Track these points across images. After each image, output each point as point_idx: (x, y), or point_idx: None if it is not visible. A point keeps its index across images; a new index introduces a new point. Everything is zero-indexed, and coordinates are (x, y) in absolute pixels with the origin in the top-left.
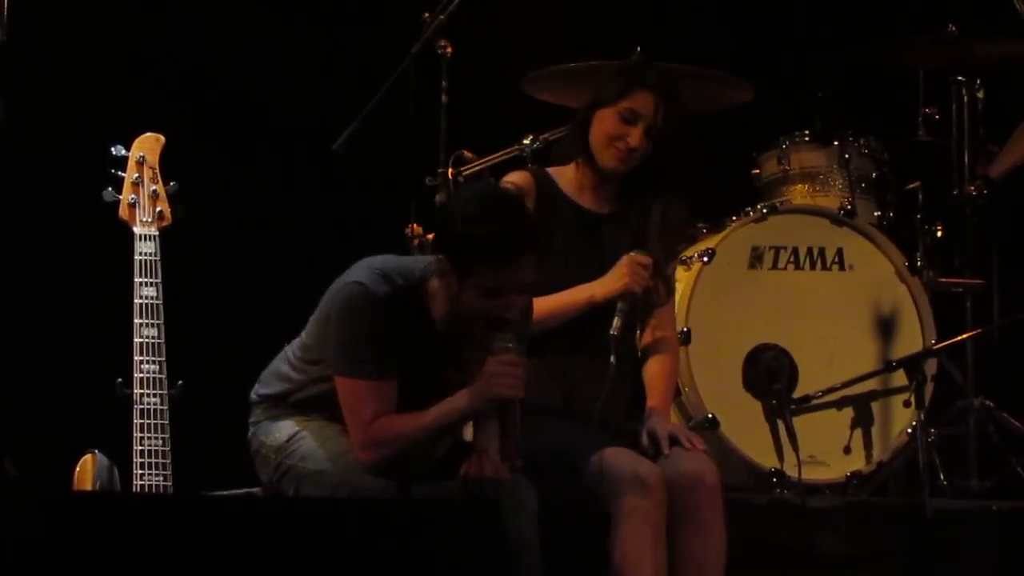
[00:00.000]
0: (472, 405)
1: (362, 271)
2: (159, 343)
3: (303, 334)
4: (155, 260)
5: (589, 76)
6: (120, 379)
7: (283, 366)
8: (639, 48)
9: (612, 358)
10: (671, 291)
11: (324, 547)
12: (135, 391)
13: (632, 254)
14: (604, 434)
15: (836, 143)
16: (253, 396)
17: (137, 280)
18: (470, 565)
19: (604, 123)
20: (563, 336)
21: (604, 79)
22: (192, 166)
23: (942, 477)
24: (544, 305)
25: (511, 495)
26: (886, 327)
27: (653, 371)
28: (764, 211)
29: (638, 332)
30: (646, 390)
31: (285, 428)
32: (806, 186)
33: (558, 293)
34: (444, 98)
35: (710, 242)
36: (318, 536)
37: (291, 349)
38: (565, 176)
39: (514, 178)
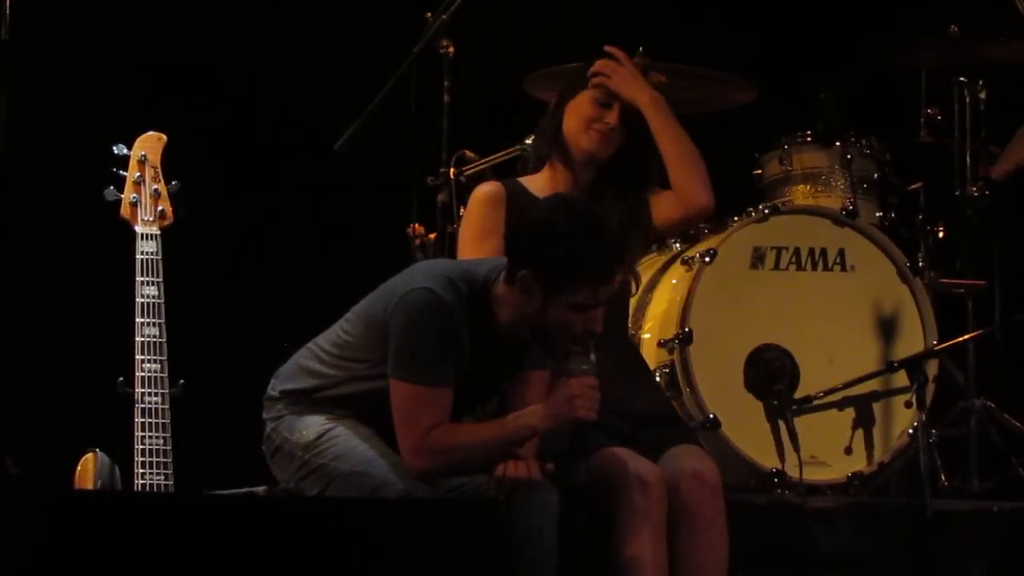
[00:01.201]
0: (547, 424)
1: (428, 277)
2: (160, 342)
3: (340, 330)
4: (156, 259)
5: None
6: (121, 378)
7: (311, 362)
8: (641, 48)
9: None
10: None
11: (327, 547)
12: (136, 390)
13: None
14: (603, 434)
15: (838, 144)
16: (272, 392)
17: (138, 279)
18: (482, 565)
19: (579, 111)
20: None
21: (570, 77)
22: (194, 165)
23: (943, 478)
24: None
25: (535, 496)
26: (887, 328)
27: None
28: (766, 211)
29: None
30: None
31: (313, 425)
32: (808, 186)
33: None
34: (446, 98)
35: (712, 242)
36: (321, 536)
37: (320, 345)
38: (536, 183)
39: (485, 188)
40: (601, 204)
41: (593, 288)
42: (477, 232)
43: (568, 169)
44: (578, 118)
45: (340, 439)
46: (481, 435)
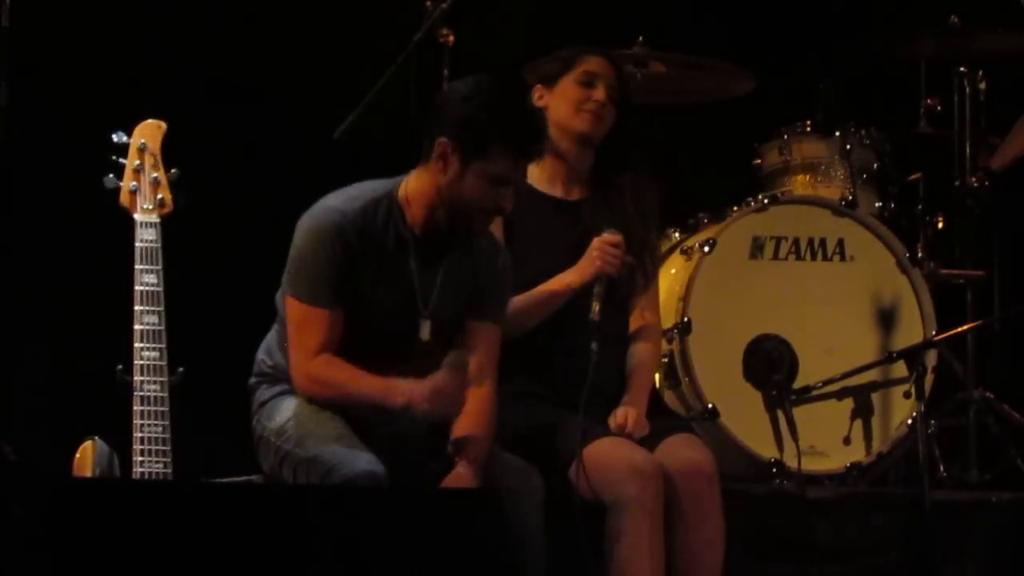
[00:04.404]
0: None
1: (324, 199)
2: (159, 330)
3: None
4: (156, 247)
5: None
6: (120, 366)
7: (273, 343)
8: (640, 38)
9: (593, 344)
10: (654, 269)
11: (324, 535)
12: (135, 378)
13: (603, 235)
14: (599, 424)
15: (838, 134)
16: (251, 381)
17: (138, 267)
18: (473, 552)
19: (566, 96)
20: (543, 325)
21: (545, 68)
22: (194, 153)
23: (942, 468)
24: (523, 303)
25: (517, 481)
26: (887, 318)
27: (631, 365)
28: (765, 201)
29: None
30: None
31: (284, 411)
32: (807, 177)
33: (535, 288)
34: (446, 87)
35: (711, 232)
36: (317, 524)
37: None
38: (533, 171)
39: None
40: (604, 190)
41: (511, 158)
42: None
43: (564, 160)
44: (566, 103)
45: (301, 425)
46: (359, 383)
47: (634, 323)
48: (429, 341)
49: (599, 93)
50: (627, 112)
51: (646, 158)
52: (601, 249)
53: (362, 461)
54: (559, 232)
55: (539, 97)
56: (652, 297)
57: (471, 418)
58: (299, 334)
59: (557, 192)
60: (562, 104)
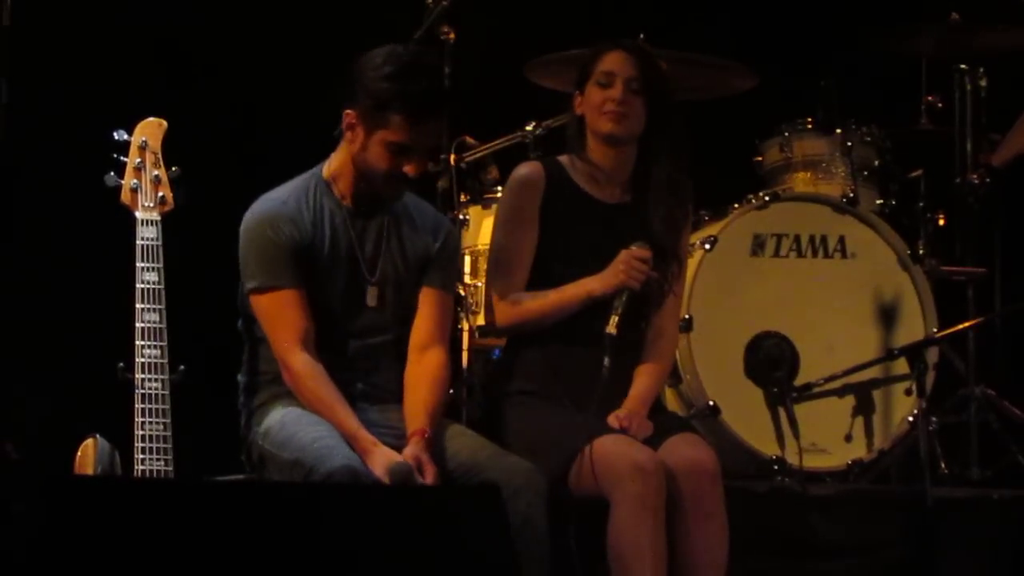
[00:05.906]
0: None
1: (252, 205)
2: (160, 328)
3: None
4: (157, 245)
5: None
6: (122, 364)
7: (246, 352)
8: (641, 35)
9: (606, 359)
10: (680, 283)
11: (324, 533)
12: (136, 376)
13: (631, 248)
14: (601, 423)
15: (838, 131)
16: (239, 401)
17: (139, 265)
18: (470, 550)
19: (590, 101)
20: (557, 326)
21: (577, 72)
22: (194, 151)
23: (943, 465)
24: (541, 302)
25: (523, 481)
26: (888, 315)
27: (641, 370)
28: (766, 199)
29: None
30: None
31: (272, 415)
32: (808, 174)
33: (555, 289)
34: (446, 84)
35: (712, 229)
36: (319, 522)
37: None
38: (576, 166)
39: (525, 169)
40: (643, 197)
41: (405, 125)
42: (510, 217)
43: (603, 163)
44: (591, 108)
45: (284, 428)
46: (335, 413)
47: (652, 331)
48: (376, 306)
49: (615, 91)
50: (660, 99)
51: (684, 160)
52: (627, 263)
53: (339, 457)
54: (593, 234)
55: (578, 105)
56: (674, 308)
57: (422, 387)
58: (274, 326)
59: (596, 191)
60: (589, 110)
